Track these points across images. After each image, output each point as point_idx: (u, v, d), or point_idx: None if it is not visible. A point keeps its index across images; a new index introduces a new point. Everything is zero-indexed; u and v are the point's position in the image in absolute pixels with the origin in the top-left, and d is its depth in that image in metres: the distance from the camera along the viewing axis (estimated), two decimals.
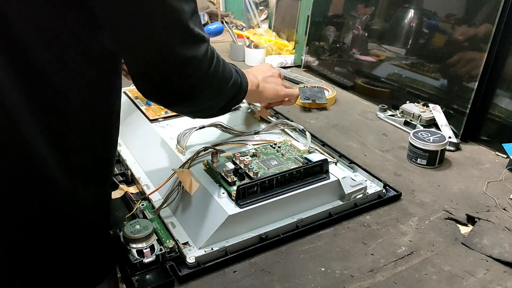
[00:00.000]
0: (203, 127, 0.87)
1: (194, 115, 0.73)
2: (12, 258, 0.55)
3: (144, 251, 0.63)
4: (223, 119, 0.92)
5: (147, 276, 0.62)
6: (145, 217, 0.73)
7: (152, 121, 0.94)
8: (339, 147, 0.96)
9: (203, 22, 1.98)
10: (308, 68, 1.53)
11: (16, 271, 0.56)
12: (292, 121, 0.96)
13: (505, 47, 0.96)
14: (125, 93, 1.07)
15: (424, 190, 0.85)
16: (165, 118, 0.95)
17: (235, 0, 2.01)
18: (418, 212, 0.79)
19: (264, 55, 1.56)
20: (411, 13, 1.19)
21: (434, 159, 0.93)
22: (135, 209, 0.75)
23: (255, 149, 0.82)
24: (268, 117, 0.98)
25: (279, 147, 0.84)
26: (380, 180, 0.83)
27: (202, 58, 0.58)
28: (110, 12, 0.49)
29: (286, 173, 0.72)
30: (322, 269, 0.65)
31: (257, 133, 0.91)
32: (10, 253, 0.55)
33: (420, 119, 1.08)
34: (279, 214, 0.72)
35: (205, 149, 0.81)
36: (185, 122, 0.90)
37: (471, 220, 0.77)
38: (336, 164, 0.85)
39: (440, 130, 1.01)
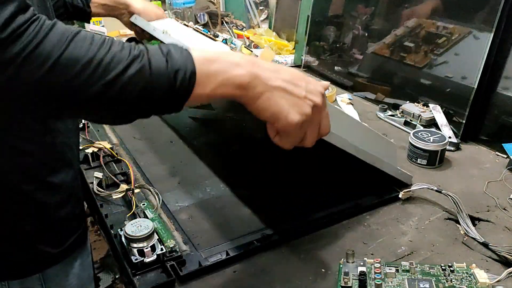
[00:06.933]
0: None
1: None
2: None
3: (145, 250, 0.63)
4: None
5: (148, 276, 0.62)
6: (146, 216, 0.73)
7: None
8: None
9: (203, 22, 1.97)
10: (308, 68, 1.53)
11: None
12: None
13: (505, 47, 0.96)
14: None
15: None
16: None
17: (235, 0, 2.01)
18: (418, 212, 0.79)
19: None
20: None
21: (434, 159, 0.93)
22: (134, 208, 0.75)
23: None
24: None
25: None
26: None
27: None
28: None
29: None
30: (323, 270, 0.65)
31: None
32: None
33: (420, 119, 1.08)
34: None
35: None
36: None
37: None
38: None
39: (440, 130, 1.01)
